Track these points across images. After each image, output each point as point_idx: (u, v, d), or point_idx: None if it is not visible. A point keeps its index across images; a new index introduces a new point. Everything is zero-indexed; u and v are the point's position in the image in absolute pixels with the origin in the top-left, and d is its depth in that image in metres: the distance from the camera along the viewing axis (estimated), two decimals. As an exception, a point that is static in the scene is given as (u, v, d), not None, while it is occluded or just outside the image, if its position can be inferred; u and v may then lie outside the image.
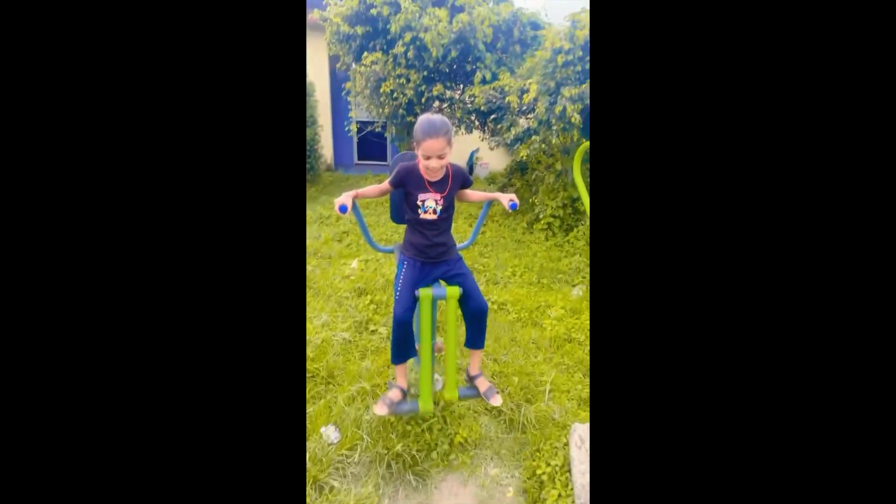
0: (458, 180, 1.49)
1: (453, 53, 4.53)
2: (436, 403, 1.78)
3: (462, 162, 7.90)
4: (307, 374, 1.99)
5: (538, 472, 1.55)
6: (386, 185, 1.50)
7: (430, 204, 1.45)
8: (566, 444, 1.65)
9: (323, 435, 1.67)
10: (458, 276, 1.50)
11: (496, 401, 1.51)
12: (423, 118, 1.37)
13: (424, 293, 1.44)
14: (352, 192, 1.40)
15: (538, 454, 1.63)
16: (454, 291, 1.46)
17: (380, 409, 1.45)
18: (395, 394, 1.51)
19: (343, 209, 1.35)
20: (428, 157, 1.37)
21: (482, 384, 1.56)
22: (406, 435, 1.66)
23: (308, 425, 1.70)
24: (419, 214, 1.46)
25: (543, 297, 2.92)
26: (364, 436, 1.65)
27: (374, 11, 4.54)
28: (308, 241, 3.73)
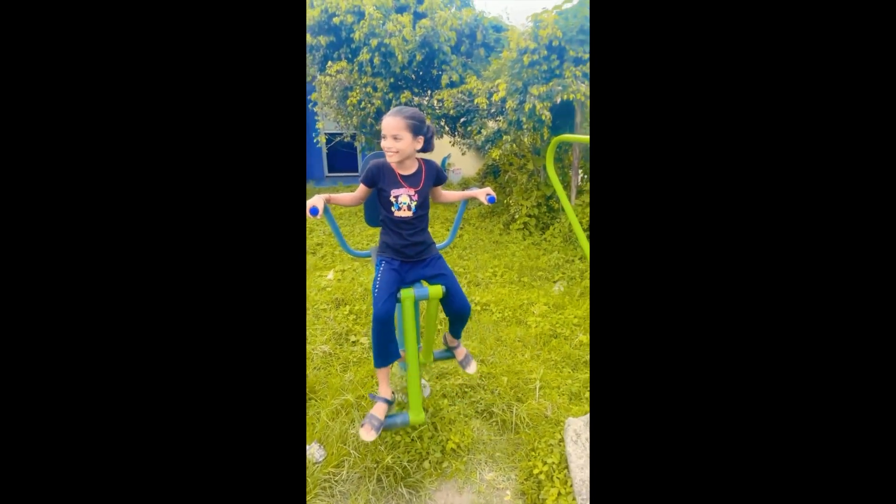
0: (431, 175, 1.44)
1: (419, 58, 4.52)
2: (425, 410, 1.71)
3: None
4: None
5: (535, 471, 1.50)
6: (360, 189, 1.44)
7: (403, 200, 1.39)
8: (561, 441, 1.60)
9: (307, 454, 1.57)
10: (439, 276, 1.45)
11: (471, 369, 1.59)
12: None
13: (406, 294, 1.38)
14: (324, 196, 1.33)
15: (533, 454, 1.58)
16: (437, 291, 1.40)
17: (367, 435, 1.33)
18: (379, 409, 1.39)
19: (314, 211, 1.28)
20: (384, 137, 1.35)
21: (460, 353, 1.63)
22: (395, 446, 1.58)
23: (290, 445, 1.60)
24: (393, 213, 1.40)
25: (525, 296, 2.89)
26: (351, 451, 1.56)
27: (336, 20, 4.49)
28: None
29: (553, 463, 1.51)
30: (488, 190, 1.48)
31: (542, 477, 1.47)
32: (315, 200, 1.28)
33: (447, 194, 1.56)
